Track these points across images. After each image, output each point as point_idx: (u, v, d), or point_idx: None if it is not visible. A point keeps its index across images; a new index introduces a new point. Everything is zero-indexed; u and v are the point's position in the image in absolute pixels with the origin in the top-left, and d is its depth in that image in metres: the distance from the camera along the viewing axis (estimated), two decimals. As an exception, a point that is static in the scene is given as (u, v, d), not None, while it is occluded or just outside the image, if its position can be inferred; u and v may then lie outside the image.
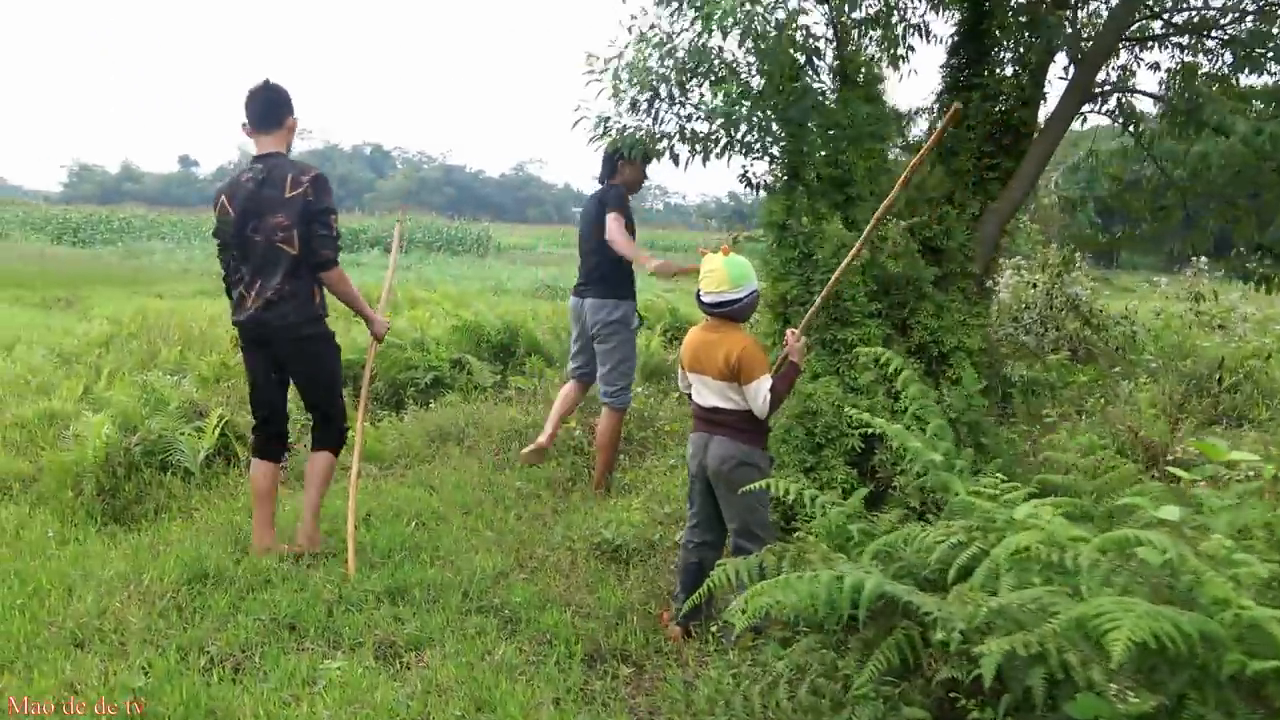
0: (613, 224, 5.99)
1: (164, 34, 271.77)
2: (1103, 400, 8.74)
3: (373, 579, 4.50)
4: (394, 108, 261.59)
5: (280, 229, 4.61)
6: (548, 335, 10.14)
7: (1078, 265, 10.79)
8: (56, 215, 42.72)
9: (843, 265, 4.11)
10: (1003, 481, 3.23)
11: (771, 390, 3.88)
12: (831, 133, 5.43)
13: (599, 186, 6.29)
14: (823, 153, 5.45)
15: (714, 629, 4.03)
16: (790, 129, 5.32)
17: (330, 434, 5.11)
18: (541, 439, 6.36)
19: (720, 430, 4.02)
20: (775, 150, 5.39)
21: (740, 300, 3.98)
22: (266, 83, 4.76)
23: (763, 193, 5.80)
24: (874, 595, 2.68)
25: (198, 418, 6.88)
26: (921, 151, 3.95)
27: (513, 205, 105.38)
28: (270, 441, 5.05)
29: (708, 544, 4.22)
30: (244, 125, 4.78)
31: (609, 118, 5.47)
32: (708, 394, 4.05)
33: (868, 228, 4.07)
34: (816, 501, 3.64)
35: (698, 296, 4.06)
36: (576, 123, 5.51)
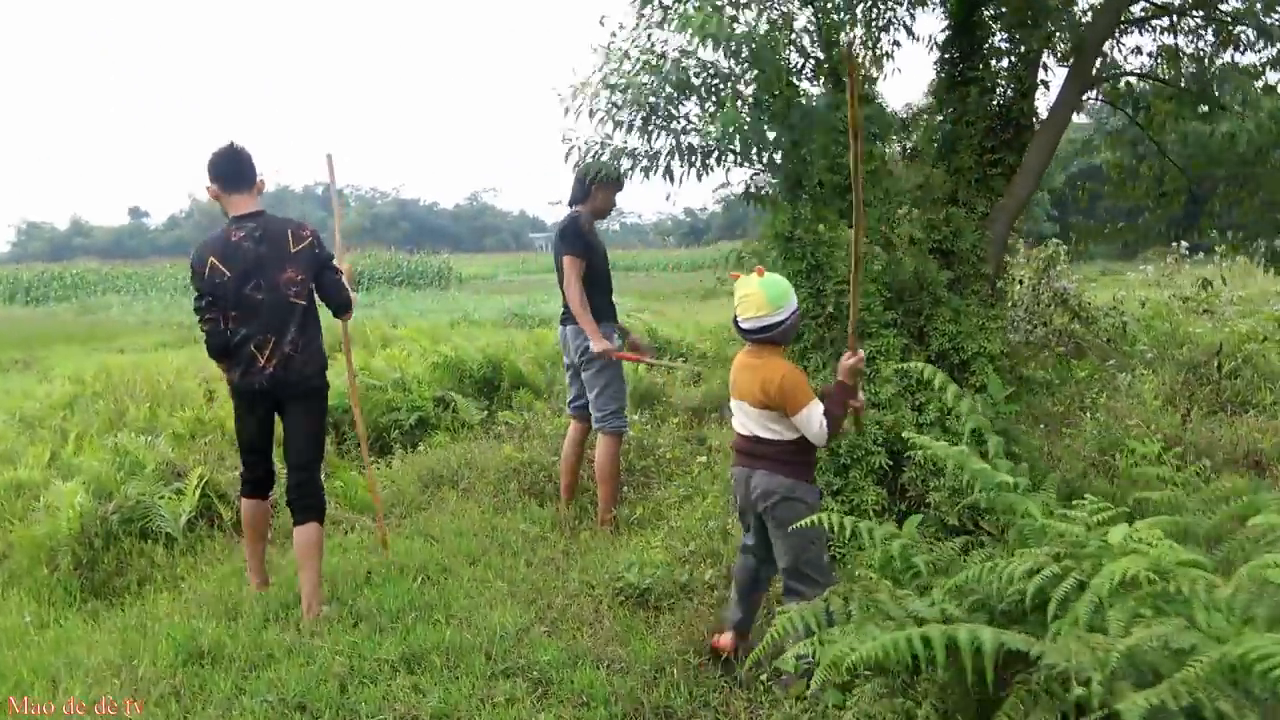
0: (567, 271, 5.78)
1: (105, 85, 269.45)
2: (1104, 395, 8.55)
3: (385, 646, 4.16)
4: (341, 145, 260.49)
5: (293, 284, 4.63)
6: (530, 366, 9.82)
7: (1063, 259, 10.62)
8: (6, 275, 41.80)
9: (854, 265, 3.72)
10: (1082, 501, 2.94)
11: (826, 414, 3.59)
12: (830, 138, 5.18)
13: (568, 210, 6.01)
14: (822, 160, 5.20)
15: (763, 676, 3.74)
16: (790, 136, 5.06)
17: (318, 498, 4.89)
18: (564, 497, 6.23)
19: (761, 463, 3.75)
20: (777, 158, 5.13)
21: (784, 322, 3.71)
22: (232, 144, 4.74)
23: (756, 205, 5.56)
24: (995, 650, 2.37)
25: (176, 479, 6.49)
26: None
27: (469, 235, 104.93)
28: (260, 481, 4.99)
29: (767, 559, 3.93)
30: (210, 187, 4.72)
31: (600, 142, 5.19)
32: (749, 423, 3.79)
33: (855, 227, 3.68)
34: (872, 533, 3.35)
35: (735, 323, 3.80)
36: (568, 153, 5.24)
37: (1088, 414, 7.86)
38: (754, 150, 5.10)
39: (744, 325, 3.74)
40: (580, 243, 5.82)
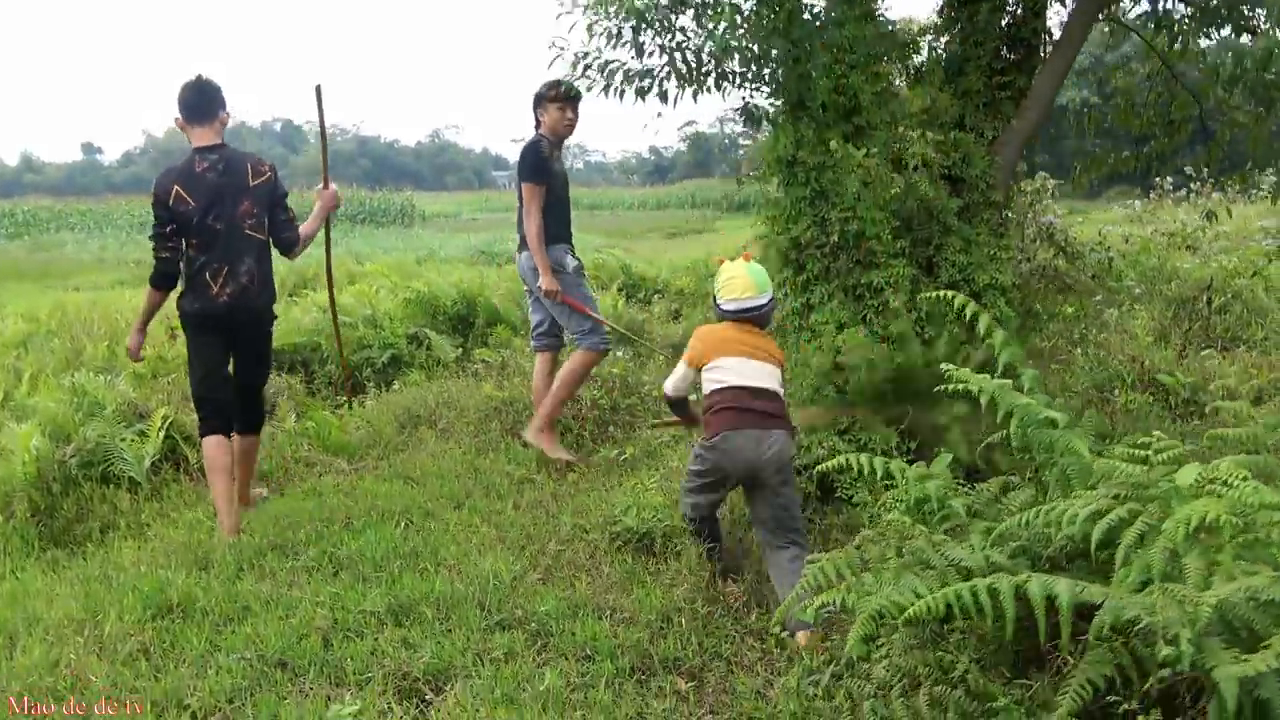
0: (527, 200, 5.55)
1: (54, 16, 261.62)
2: (1095, 330, 8.36)
3: (371, 596, 3.88)
4: (300, 81, 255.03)
5: (250, 216, 4.80)
6: (505, 301, 9.51)
7: (1050, 193, 10.39)
8: (-46, 213, 40.59)
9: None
10: (1148, 439, 2.70)
11: None
12: (834, 56, 4.86)
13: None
14: (825, 79, 4.88)
15: (776, 629, 3.50)
16: (792, 53, 4.73)
17: (260, 414, 5.32)
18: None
19: (776, 423, 3.74)
20: (779, 77, 4.80)
21: (766, 305, 3.90)
22: (199, 77, 4.85)
23: (753, 126, 5.25)
24: (1070, 605, 2.13)
25: (138, 420, 6.15)
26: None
27: (431, 173, 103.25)
28: (221, 419, 4.96)
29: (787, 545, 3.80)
30: (176, 118, 4.85)
31: (588, 53, 4.85)
32: (762, 377, 3.77)
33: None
34: (904, 474, 3.11)
35: (717, 306, 3.94)
36: (553, 61, 4.89)
37: (1078, 350, 7.65)
38: (753, 67, 4.78)
39: (730, 307, 3.87)
40: (540, 170, 5.57)
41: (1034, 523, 2.60)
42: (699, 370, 3.89)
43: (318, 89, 5.32)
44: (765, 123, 5.06)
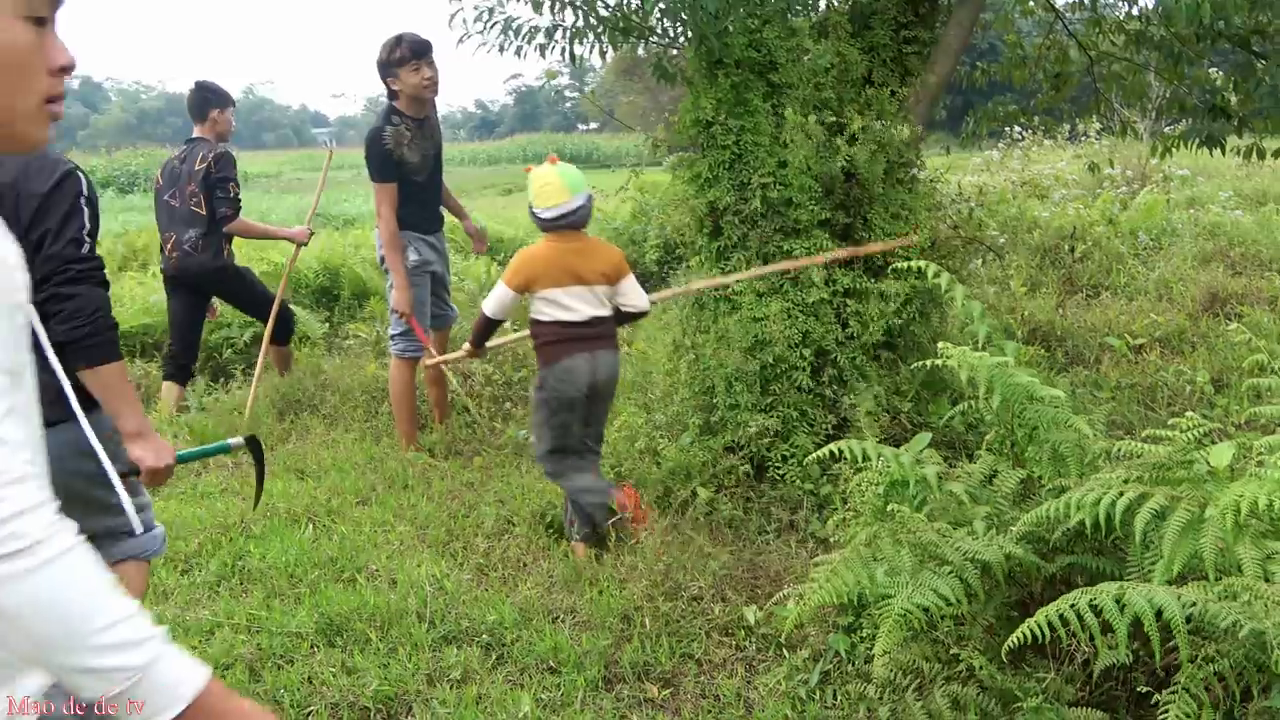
0: (376, 200, 5.05)
1: None
2: (968, 283, 8.46)
3: (299, 615, 3.51)
4: (99, 34, 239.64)
5: (194, 196, 5.95)
6: (370, 270, 8.98)
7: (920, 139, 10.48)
8: None
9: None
10: (1178, 419, 2.58)
11: None
12: (751, 9, 4.64)
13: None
14: (743, 36, 4.65)
15: (754, 620, 3.32)
16: (712, 5, 4.47)
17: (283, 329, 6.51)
18: (436, 416, 5.70)
19: (603, 343, 3.93)
20: (695, 32, 4.54)
21: (584, 206, 3.87)
22: (198, 83, 6.19)
23: (666, 83, 4.99)
24: (1182, 619, 1.97)
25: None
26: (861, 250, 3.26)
27: (246, 131, 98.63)
28: (181, 369, 6.24)
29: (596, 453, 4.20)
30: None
31: (492, 8, 4.49)
32: (586, 307, 3.88)
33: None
34: (882, 457, 2.94)
35: (536, 217, 3.90)
36: (453, 16, 4.50)
37: (955, 304, 7.69)
38: (674, 22, 4.52)
39: (548, 215, 3.82)
40: (385, 167, 5.01)
41: (1059, 510, 2.46)
42: (523, 294, 3.92)
43: (330, 146, 4.88)
44: (680, 80, 4.80)
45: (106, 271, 2.57)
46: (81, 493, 2.33)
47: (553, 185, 3.80)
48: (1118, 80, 6.27)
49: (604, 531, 3.93)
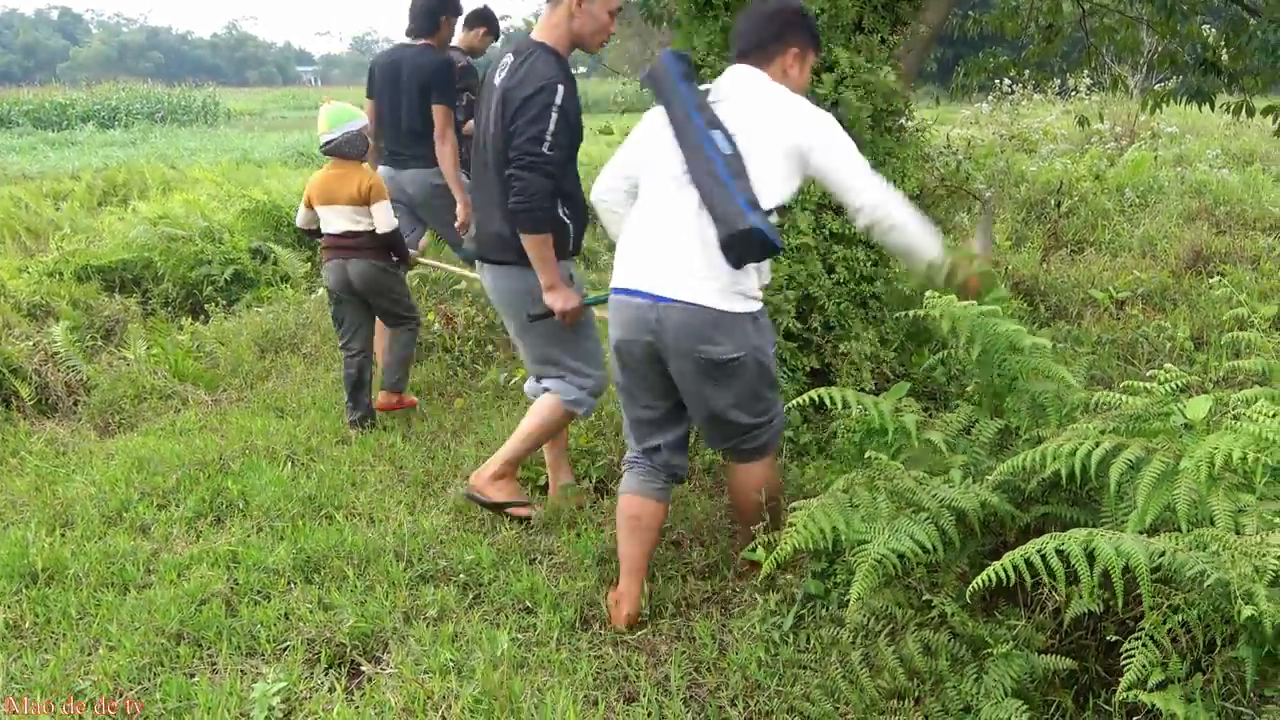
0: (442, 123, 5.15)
1: None
2: (950, 237, 8.45)
3: (277, 551, 3.51)
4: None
5: None
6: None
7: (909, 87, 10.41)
8: None
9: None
10: (1154, 371, 2.58)
11: None
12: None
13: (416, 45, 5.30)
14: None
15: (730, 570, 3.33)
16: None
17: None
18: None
19: (353, 253, 4.71)
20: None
21: (338, 138, 4.61)
22: None
23: (655, 25, 4.93)
24: (1148, 568, 1.98)
25: (-43, 353, 5.46)
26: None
27: (230, 68, 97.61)
28: None
29: (364, 353, 4.89)
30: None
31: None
32: (341, 221, 4.68)
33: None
34: (878, 406, 2.94)
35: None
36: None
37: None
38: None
39: (321, 140, 4.70)
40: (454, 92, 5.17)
41: (1034, 460, 2.47)
42: (311, 210, 4.77)
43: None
44: (666, 24, 4.74)
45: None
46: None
47: (320, 120, 4.68)
48: (1110, 34, 6.22)
49: None
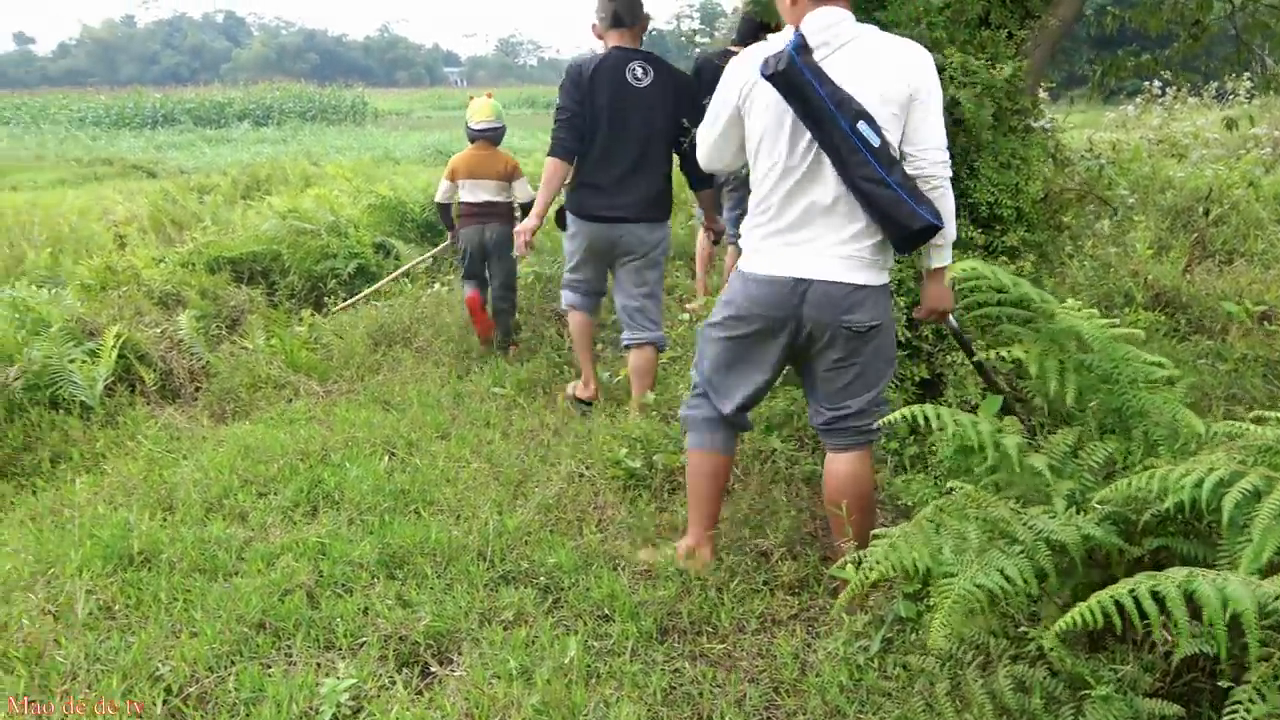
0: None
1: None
2: (1089, 243, 8.04)
3: (362, 545, 3.51)
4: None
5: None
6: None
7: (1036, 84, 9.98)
8: (-122, 105, 38.60)
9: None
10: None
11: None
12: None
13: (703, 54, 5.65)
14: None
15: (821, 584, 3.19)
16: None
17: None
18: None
19: (492, 219, 5.91)
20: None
21: (499, 128, 6.01)
22: None
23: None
24: (1256, 614, 1.79)
25: (88, 338, 5.67)
26: None
27: (381, 69, 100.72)
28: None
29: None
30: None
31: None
32: (483, 193, 5.90)
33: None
34: (976, 427, 2.75)
35: (468, 129, 6.04)
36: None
37: (1074, 262, 7.32)
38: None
39: (477, 127, 5.96)
40: None
41: (1142, 489, 2.26)
42: (454, 184, 5.98)
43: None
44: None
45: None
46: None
47: (485, 108, 5.99)
48: (1262, 29, 5.80)
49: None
